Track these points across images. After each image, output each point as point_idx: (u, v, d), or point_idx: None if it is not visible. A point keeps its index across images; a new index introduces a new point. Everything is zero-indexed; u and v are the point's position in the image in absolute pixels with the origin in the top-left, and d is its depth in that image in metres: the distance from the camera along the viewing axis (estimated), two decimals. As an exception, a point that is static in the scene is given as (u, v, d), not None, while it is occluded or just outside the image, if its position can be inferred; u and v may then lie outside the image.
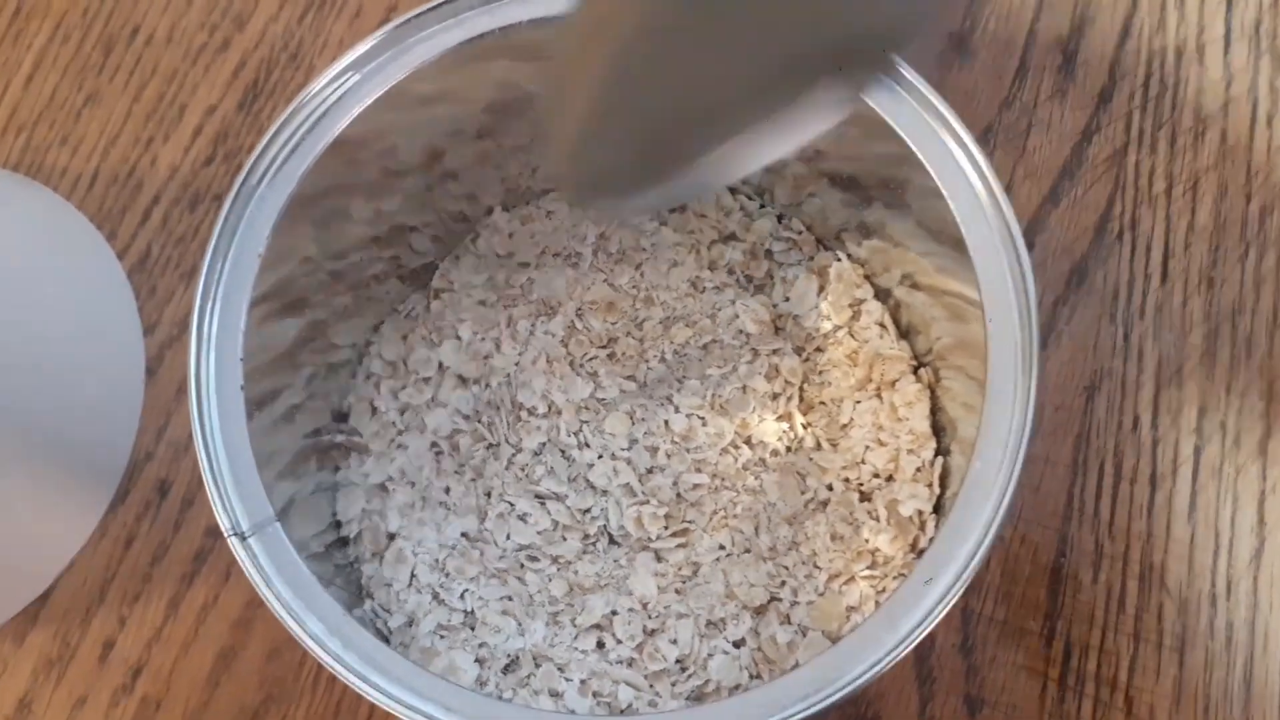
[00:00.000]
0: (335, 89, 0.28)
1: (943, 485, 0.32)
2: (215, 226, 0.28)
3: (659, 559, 0.30)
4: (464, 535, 0.31)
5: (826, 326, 0.31)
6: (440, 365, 0.32)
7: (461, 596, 0.31)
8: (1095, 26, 0.42)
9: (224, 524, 0.27)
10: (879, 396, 0.32)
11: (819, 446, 0.31)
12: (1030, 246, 0.39)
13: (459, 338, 0.32)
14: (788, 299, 0.32)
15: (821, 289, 0.32)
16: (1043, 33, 0.42)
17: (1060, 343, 0.39)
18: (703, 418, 0.31)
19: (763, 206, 0.33)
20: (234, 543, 0.26)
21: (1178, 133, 0.41)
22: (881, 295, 0.32)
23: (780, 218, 0.33)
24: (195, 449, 0.28)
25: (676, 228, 0.33)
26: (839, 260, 0.32)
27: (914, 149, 0.26)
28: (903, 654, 0.25)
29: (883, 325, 0.31)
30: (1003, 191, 0.28)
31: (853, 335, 0.31)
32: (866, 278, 0.32)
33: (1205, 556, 0.36)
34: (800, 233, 0.32)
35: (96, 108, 0.42)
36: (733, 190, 0.33)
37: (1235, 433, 0.37)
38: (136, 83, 0.42)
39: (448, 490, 0.32)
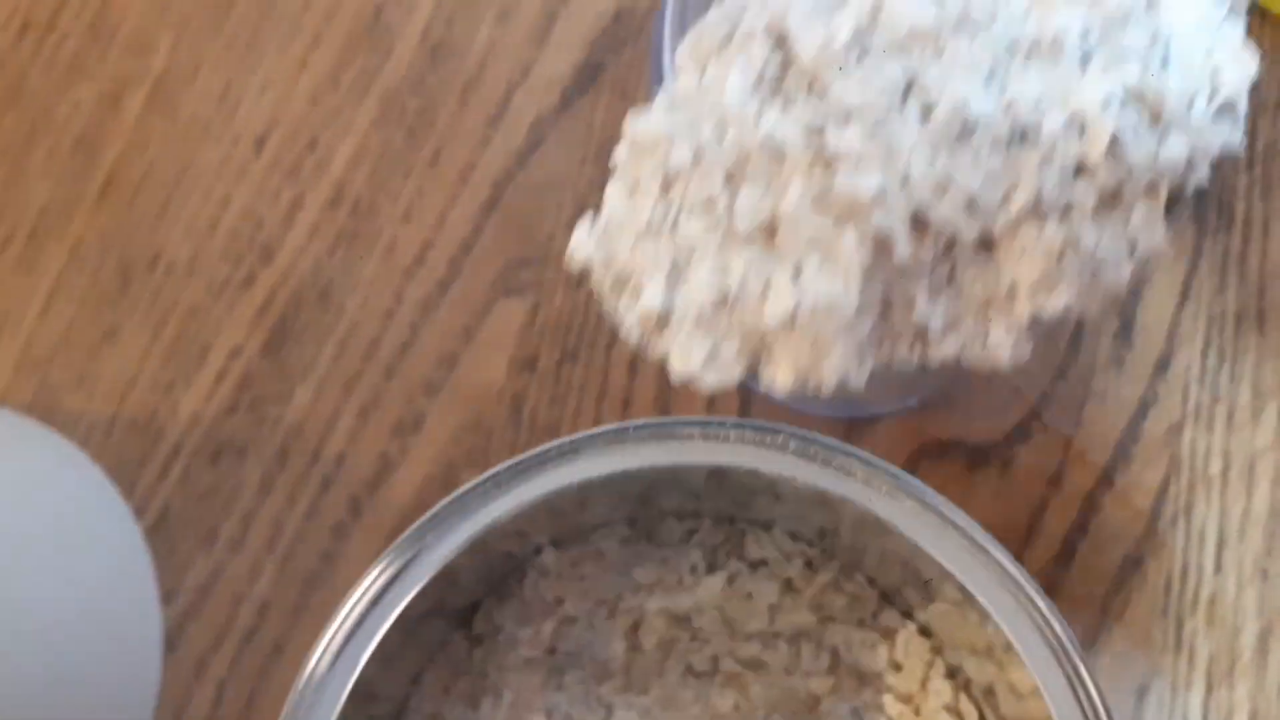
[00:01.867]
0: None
1: None
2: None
3: None
4: None
5: (892, 706, 0.30)
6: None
7: None
8: (1153, 287, 0.41)
9: None
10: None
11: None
12: (1084, 530, 0.38)
13: (499, 695, 0.30)
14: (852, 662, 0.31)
15: (889, 659, 0.31)
16: (1100, 292, 0.41)
17: (1112, 637, 0.38)
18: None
19: (824, 553, 0.32)
20: None
21: (1235, 409, 0.40)
22: (952, 670, 0.31)
23: (842, 567, 0.32)
24: None
25: (732, 576, 0.32)
26: (906, 625, 0.31)
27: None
28: None
29: (955, 713, 0.30)
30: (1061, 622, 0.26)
31: (919, 715, 0.30)
32: (936, 651, 0.31)
33: None
34: (863, 589, 0.31)
35: (114, 345, 0.40)
36: (793, 535, 0.32)
37: (1290, 750, 0.36)
38: (156, 318, 0.40)
39: None
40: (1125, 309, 0.41)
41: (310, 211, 0.41)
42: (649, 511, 0.30)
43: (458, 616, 0.32)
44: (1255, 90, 0.42)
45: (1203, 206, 0.42)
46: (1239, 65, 0.22)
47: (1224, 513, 0.39)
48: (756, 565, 0.31)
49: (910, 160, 0.20)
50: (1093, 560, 0.38)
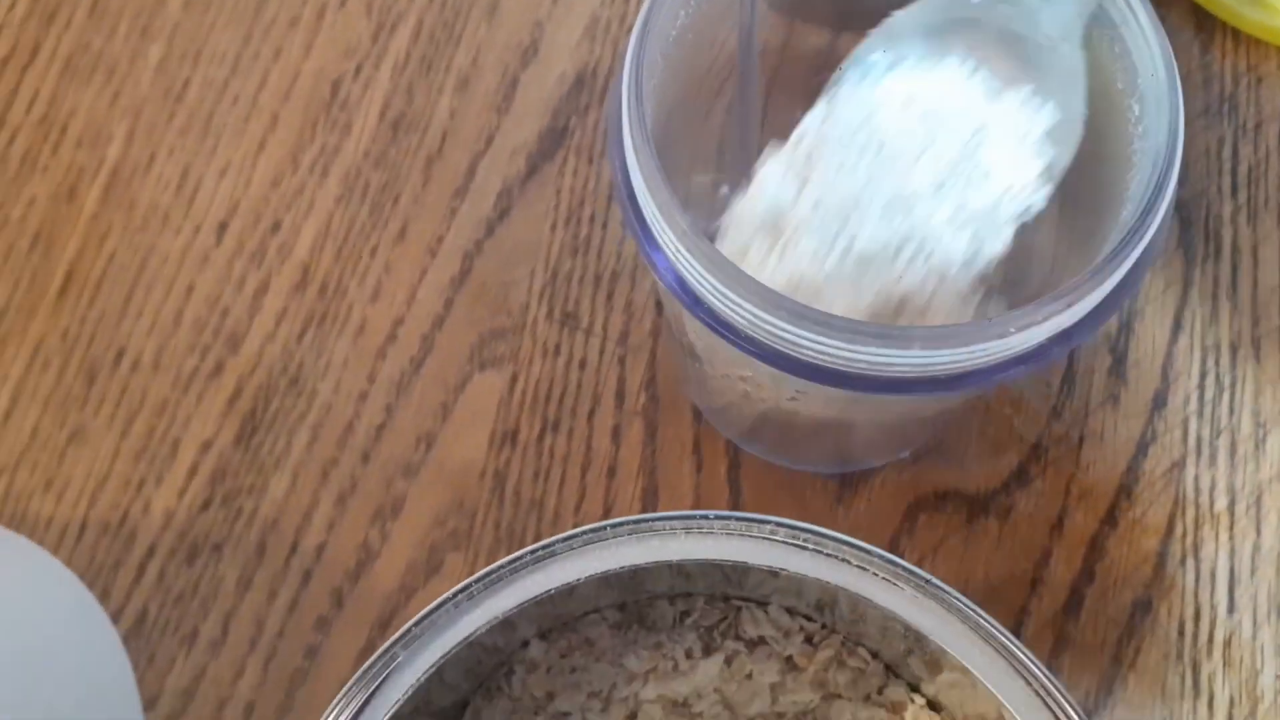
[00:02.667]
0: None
1: None
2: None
3: None
4: None
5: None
6: None
7: None
8: (1144, 321, 0.40)
9: None
10: None
11: None
12: (1090, 576, 0.37)
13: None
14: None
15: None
16: (1090, 329, 0.40)
17: (1127, 686, 0.36)
18: None
19: (824, 627, 0.30)
20: None
21: (1237, 441, 0.39)
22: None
23: (844, 641, 0.30)
24: None
25: (730, 657, 0.30)
26: (913, 701, 0.29)
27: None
28: None
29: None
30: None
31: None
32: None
33: None
34: (867, 662, 0.30)
35: (82, 446, 0.39)
36: (790, 610, 0.30)
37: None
38: (124, 415, 0.39)
39: None
40: (1117, 344, 0.40)
41: (276, 296, 0.40)
42: (638, 595, 0.29)
43: (445, 716, 0.30)
44: (1234, 112, 0.42)
45: (1190, 236, 0.41)
46: (1027, 188, 0.28)
47: (1234, 550, 0.38)
48: (755, 644, 0.30)
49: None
50: (1102, 607, 0.37)
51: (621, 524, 0.25)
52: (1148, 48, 0.27)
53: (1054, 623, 0.37)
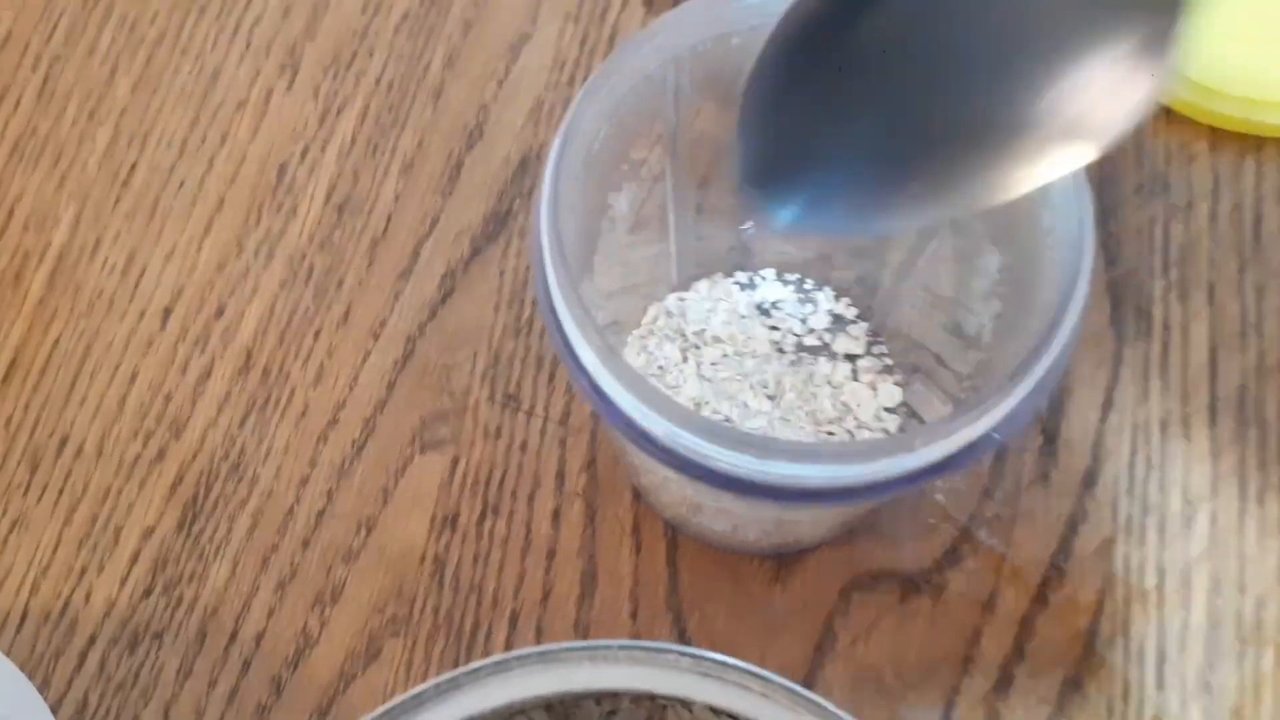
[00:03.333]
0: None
1: None
2: None
3: None
4: None
5: None
6: None
7: None
8: (1075, 399, 0.41)
9: None
10: None
11: None
12: (1021, 655, 0.38)
13: None
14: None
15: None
16: (1022, 409, 0.41)
17: (1058, 766, 0.37)
18: None
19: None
20: None
21: (1166, 519, 0.39)
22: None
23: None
24: None
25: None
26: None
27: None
28: None
29: None
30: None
31: None
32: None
33: None
34: None
35: (24, 534, 0.39)
36: (714, 709, 0.31)
37: None
38: (66, 503, 0.39)
39: None
40: (1048, 424, 0.40)
41: (219, 381, 0.41)
42: (564, 696, 0.29)
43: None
44: (1166, 191, 0.43)
45: (1121, 315, 0.41)
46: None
47: (1162, 627, 0.38)
48: None
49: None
50: (1032, 686, 0.38)
51: (527, 655, 0.25)
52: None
53: (985, 701, 0.37)
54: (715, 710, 0.30)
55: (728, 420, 0.37)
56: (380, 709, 0.24)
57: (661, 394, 0.26)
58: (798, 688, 0.24)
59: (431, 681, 0.25)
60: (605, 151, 0.29)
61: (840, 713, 0.24)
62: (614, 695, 0.30)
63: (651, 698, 0.30)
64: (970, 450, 0.26)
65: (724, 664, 0.25)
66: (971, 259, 0.34)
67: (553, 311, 0.27)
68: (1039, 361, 0.25)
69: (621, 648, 0.25)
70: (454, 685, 0.25)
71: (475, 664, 0.25)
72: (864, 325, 0.40)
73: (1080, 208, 0.27)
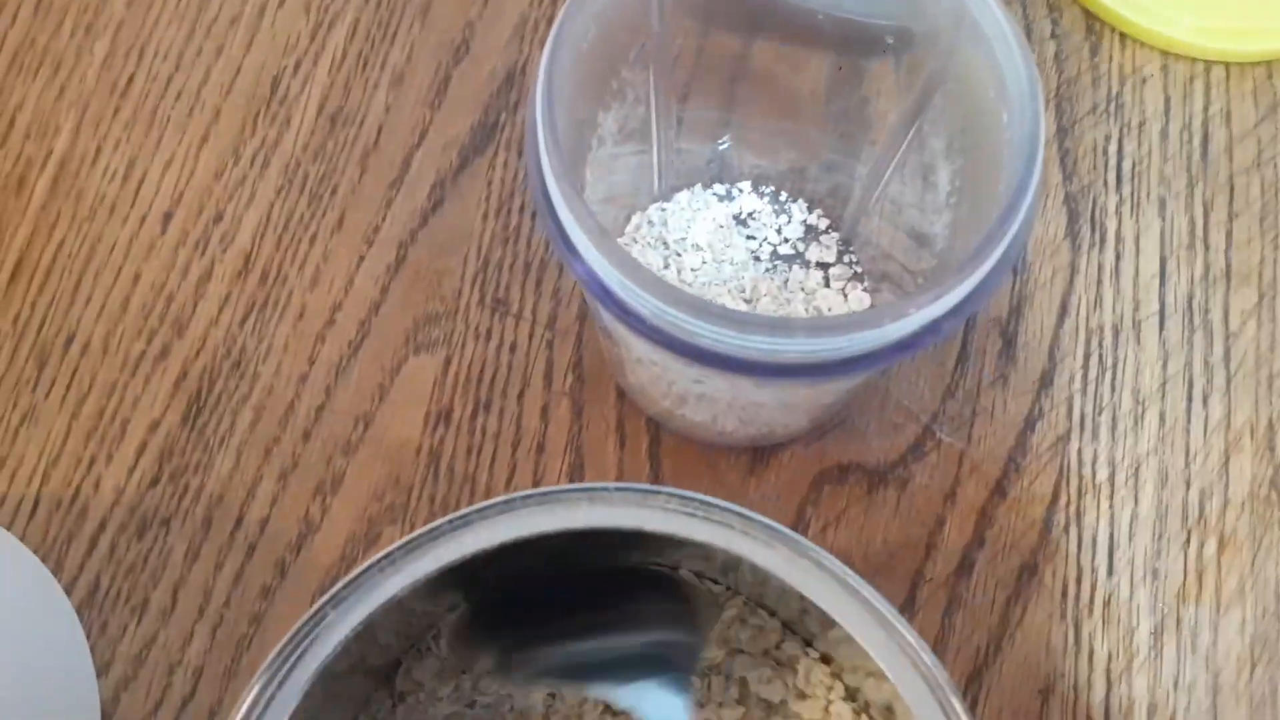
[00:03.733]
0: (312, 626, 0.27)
1: None
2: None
3: None
4: None
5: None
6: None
7: None
8: (1033, 306, 0.43)
9: None
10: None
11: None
12: (981, 542, 0.40)
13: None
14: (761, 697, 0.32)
15: (794, 688, 0.32)
16: (981, 314, 0.43)
17: (1014, 643, 0.39)
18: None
19: (729, 589, 0.33)
20: None
21: (1118, 417, 0.42)
22: (852, 693, 0.32)
23: (746, 601, 0.33)
24: None
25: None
26: (807, 655, 0.32)
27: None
28: None
29: (852, 733, 0.32)
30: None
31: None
32: (836, 675, 0.33)
33: None
34: (766, 621, 0.33)
35: (34, 426, 0.41)
36: (699, 574, 0.33)
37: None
38: (74, 397, 0.41)
39: None
40: (1007, 328, 0.43)
41: (219, 283, 0.42)
42: (565, 533, 0.31)
43: (380, 674, 0.33)
44: (1120, 111, 0.45)
45: (1077, 227, 0.44)
46: None
47: (1113, 517, 0.41)
48: None
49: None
50: (991, 571, 0.40)
51: (530, 495, 0.27)
52: (1013, 60, 0.30)
53: (947, 585, 0.40)
54: (700, 575, 0.33)
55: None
56: (401, 540, 0.27)
57: (650, 273, 0.28)
58: (776, 524, 0.27)
59: (445, 518, 0.27)
60: (594, 59, 0.31)
61: (813, 545, 0.26)
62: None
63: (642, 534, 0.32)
64: (934, 327, 0.28)
65: (708, 503, 0.27)
66: (932, 170, 0.36)
67: (546, 198, 0.29)
68: (997, 244, 0.27)
69: (617, 489, 0.27)
70: (465, 522, 0.27)
71: (484, 503, 0.27)
72: (835, 235, 0.42)
73: (1034, 100, 0.29)
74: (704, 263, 0.41)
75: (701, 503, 0.27)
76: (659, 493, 0.27)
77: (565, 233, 0.29)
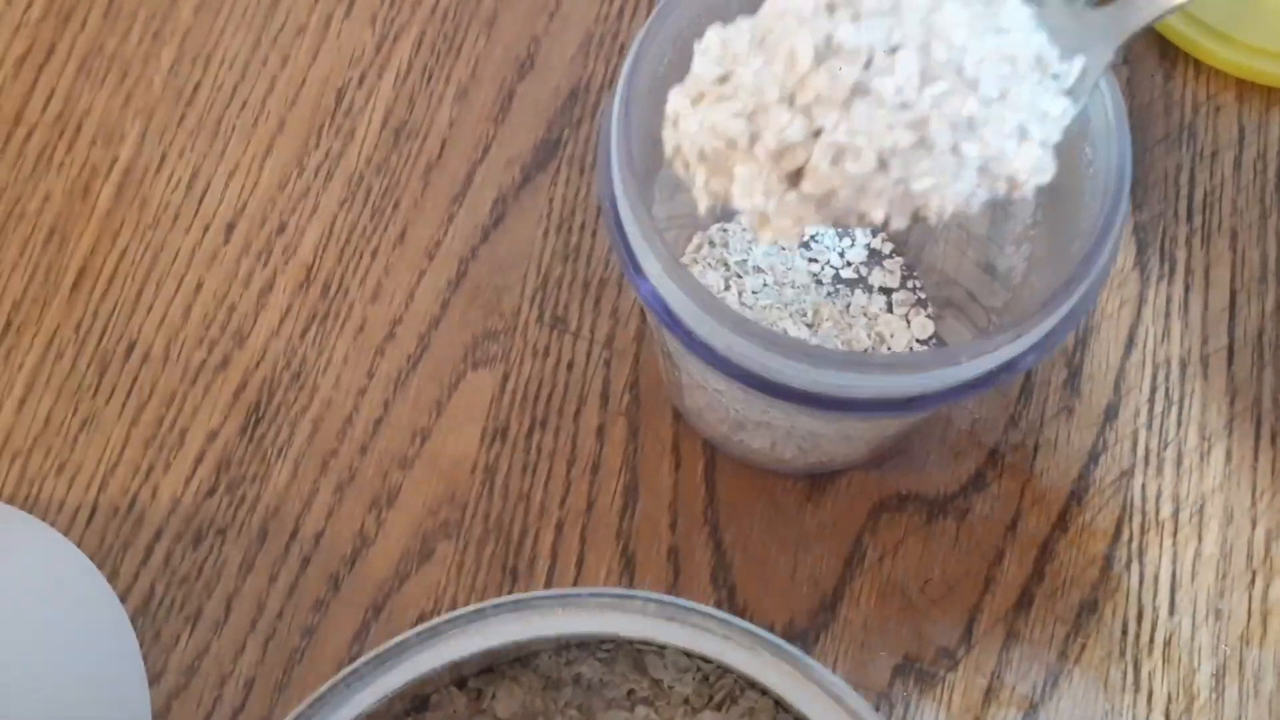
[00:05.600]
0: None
1: None
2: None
3: None
4: None
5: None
6: None
7: None
8: (1099, 337, 0.42)
9: None
10: None
11: None
12: (1041, 577, 0.40)
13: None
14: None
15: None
16: (1049, 344, 0.42)
17: (1071, 681, 0.39)
18: None
19: (717, 667, 0.32)
20: None
21: (1183, 452, 0.41)
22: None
23: (736, 681, 0.33)
24: None
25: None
26: None
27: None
28: None
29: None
30: None
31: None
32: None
33: None
34: (756, 700, 0.32)
35: (94, 433, 0.41)
36: (687, 653, 0.32)
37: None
38: (134, 405, 0.41)
39: None
40: (1072, 359, 0.42)
41: (281, 294, 0.42)
42: (537, 643, 0.31)
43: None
44: (1193, 140, 0.44)
45: (1146, 257, 0.43)
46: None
47: (1176, 555, 0.40)
48: (655, 684, 0.32)
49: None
50: (1050, 606, 0.40)
51: (502, 604, 0.27)
52: (1100, 95, 0.30)
53: (1005, 619, 0.39)
54: (689, 654, 0.32)
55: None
56: (368, 655, 0.26)
57: (721, 303, 0.27)
58: (758, 630, 0.26)
59: (414, 630, 0.26)
60: (670, 81, 0.31)
61: (798, 653, 0.26)
62: (580, 645, 0.31)
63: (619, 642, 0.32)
64: (1010, 365, 0.28)
65: (687, 608, 0.27)
66: (1006, 203, 0.36)
67: (617, 221, 0.29)
68: (1081, 282, 0.27)
69: (591, 595, 0.27)
70: (434, 633, 0.27)
71: (454, 613, 0.27)
72: (899, 260, 0.42)
73: (1120, 137, 0.29)
74: (765, 285, 0.41)
75: (680, 607, 0.27)
76: (635, 598, 0.27)
77: (635, 257, 0.29)
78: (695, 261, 0.41)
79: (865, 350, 0.40)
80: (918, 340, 0.41)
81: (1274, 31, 0.45)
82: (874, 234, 0.42)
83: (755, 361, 0.28)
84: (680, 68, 0.31)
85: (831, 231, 0.42)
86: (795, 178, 0.25)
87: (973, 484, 0.41)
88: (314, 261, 0.43)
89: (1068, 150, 0.31)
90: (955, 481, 0.41)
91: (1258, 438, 0.41)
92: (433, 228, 0.43)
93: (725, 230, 0.42)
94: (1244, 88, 0.46)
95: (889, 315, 0.41)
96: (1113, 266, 0.28)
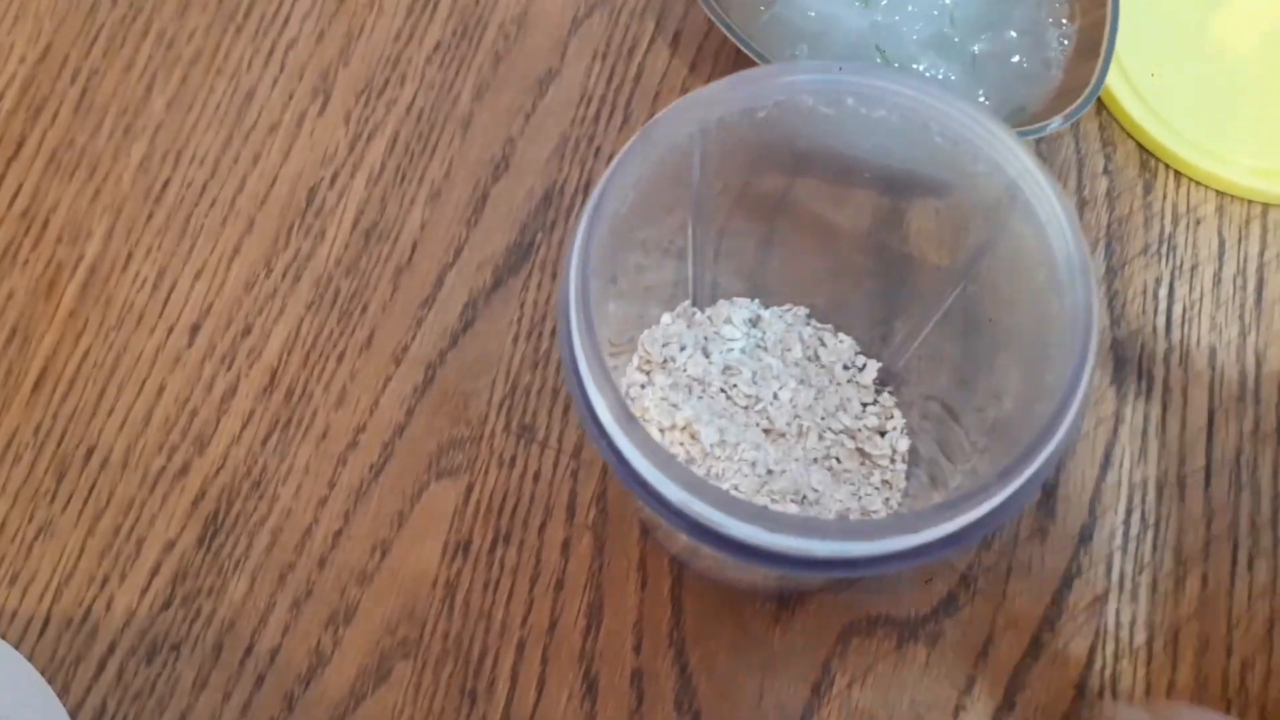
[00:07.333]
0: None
1: None
2: None
3: None
4: None
5: None
6: None
7: None
8: (1074, 457, 0.42)
9: None
10: None
11: None
12: (1011, 706, 0.39)
13: None
14: None
15: None
16: (1023, 463, 0.42)
17: (1041, 815, 0.38)
18: None
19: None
20: None
21: (1159, 578, 0.40)
22: None
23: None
24: None
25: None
26: None
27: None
28: None
29: None
30: None
31: None
32: None
33: None
34: None
35: (49, 541, 0.40)
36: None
37: None
38: (91, 512, 0.41)
39: None
40: (1046, 480, 0.41)
41: (244, 399, 0.42)
42: None
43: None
44: (1172, 253, 0.44)
45: (1123, 374, 0.42)
46: None
47: (1150, 684, 0.39)
48: None
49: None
50: (1018, 740, 0.39)
51: None
52: (1065, 244, 0.29)
53: (975, 751, 0.39)
54: None
55: (739, 445, 0.38)
56: None
57: (676, 461, 0.27)
58: None
59: None
60: (632, 219, 0.30)
61: None
62: None
63: None
64: (970, 531, 0.27)
65: None
66: (975, 328, 0.35)
67: (578, 378, 0.28)
68: (1042, 449, 0.26)
69: None
70: None
71: None
72: (876, 365, 0.41)
73: (1087, 288, 0.28)
74: (736, 382, 0.40)
75: None
76: None
77: (593, 408, 0.28)
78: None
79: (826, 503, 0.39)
80: (895, 450, 0.40)
81: (1254, 144, 0.44)
82: (846, 340, 0.41)
83: (710, 520, 0.27)
84: (642, 208, 0.30)
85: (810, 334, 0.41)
86: None
87: (944, 607, 0.40)
88: (278, 365, 0.42)
89: (1038, 292, 0.31)
90: (926, 604, 0.40)
91: (1234, 563, 0.41)
92: (401, 332, 0.43)
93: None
94: (1224, 200, 0.45)
95: (861, 421, 0.40)
96: (1078, 433, 0.28)
